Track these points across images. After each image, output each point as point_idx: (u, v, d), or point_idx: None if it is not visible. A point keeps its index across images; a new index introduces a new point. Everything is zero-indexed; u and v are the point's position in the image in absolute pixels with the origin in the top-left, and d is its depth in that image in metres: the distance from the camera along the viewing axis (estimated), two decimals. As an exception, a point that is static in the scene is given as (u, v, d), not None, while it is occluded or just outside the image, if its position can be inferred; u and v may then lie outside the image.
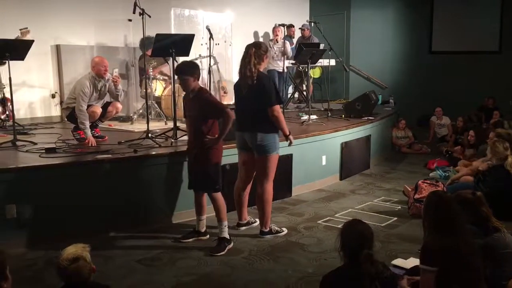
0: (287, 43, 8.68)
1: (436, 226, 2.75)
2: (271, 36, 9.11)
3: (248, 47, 4.32)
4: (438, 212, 2.77)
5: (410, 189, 5.43)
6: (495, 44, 10.70)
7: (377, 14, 10.94)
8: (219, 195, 4.27)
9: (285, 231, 4.55)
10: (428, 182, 5.30)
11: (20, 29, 5.93)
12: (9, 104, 6.23)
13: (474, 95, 9.96)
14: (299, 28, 9.45)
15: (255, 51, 4.26)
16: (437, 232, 2.74)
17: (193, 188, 4.42)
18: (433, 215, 2.79)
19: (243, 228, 4.69)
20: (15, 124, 5.50)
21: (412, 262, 3.62)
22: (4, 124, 6.49)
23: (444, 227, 2.72)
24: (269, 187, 4.41)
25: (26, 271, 3.70)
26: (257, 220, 4.68)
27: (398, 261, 3.77)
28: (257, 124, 4.26)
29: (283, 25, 8.60)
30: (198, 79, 4.24)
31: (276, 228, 4.55)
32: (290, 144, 4.48)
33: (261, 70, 4.35)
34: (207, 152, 4.16)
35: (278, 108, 4.27)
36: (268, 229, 4.48)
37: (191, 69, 4.22)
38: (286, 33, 9.17)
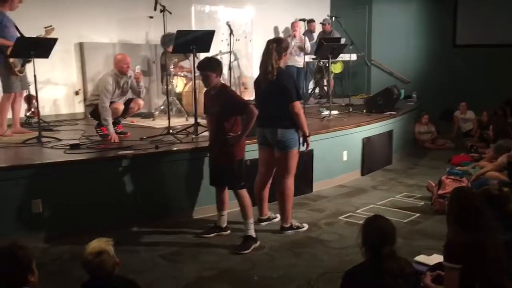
0: (306, 39, 8.64)
1: (460, 222, 2.71)
2: (291, 32, 9.08)
3: (269, 43, 4.32)
4: (462, 208, 2.73)
5: (434, 185, 5.35)
6: (523, 35, 10.44)
7: (399, 8, 10.79)
8: (244, 192, 4.24)
9: (306, 227, 4.54)
10: (452, 177, 5.24)
11: (45, 27, 6.02)
12: (34, 101, 6.35)
13: (500, 89, 9.74)
14: (320, 23, 9.39)
15: (275, 47, 4.25)
16: (461, 229, 2.70)
17: (215, 184, 4.42)
18: (458, 211, 2.75)
19: (264, 223, 4.69)
20: (40, 121, 5.61)
21: (436, 258, 3.56)
22: (30, 121, 6.63)
23: (469, 224, 2.67)
24: (290, 182, 4.41)
25: (51, 265, 3.78)
26: (278, 215, 4.68)
27: (421, 258, 3.72)
28: (277, 120, 4.26)
29: (303, 20, 8.55)
30: (220, 76, 4.24)
31: (297, 224, 4.54)
32: (307, 148, 4.46)
33: (282, 66, 4.32)
34: (230, 149, 4.15)
35: (299, 105, 4.27)
36: (289, 224, 4.48)
37: (214, 65, 4.21)
38: (306, 28, 9.13)
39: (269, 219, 4.74)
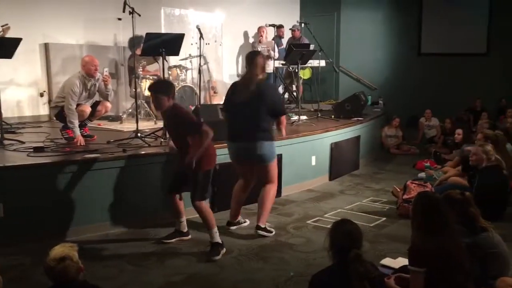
0: (275, 44, 8.71)
1: (424, 227, 2.77)
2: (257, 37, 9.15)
3: (254, 55, 4.41)
4: (426, 213, 2.79)
5: (399, 190, 5.46)
6: (482, 46, 10.82)
7: (367, 16, 11.01)
8: (203, 204, 4.12)
9: (274, 232, 4.57)
10: (417, 182, 5.35)
11: (1, 25, 5.87)
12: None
13: (462, 96, 10.06)
14: (290, 29, 9.48)
15: (260, 59, 4.35)
16: (425, 233, 2.76)
17: (175, 191, 4.27)
18: (421, 216, 2.81)
19: (234, 227, 4.68)
20: (2, 123, 5.44)
21: (401, 261, 3.64)
22: (-9, 123, 6.42)
23: (432, 228, 2.74)
24: (275, 188, 4.59)
25: (12, 271, 3.66)
26: (247, 220, 4.74)
27: (387, 261, 3.79)
28: (257, 133, 4.30)
29: (273, 25, 8.63)
30: (173, 98, 4.07)
31: (270, 227, 4.58)
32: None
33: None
34: (199, 160, 4.04)
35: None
36: (264, 226, 4.52)
37: (166, 88, 4.10)
38: (276, 34, 9.20)
39: (238, 223, 4.74)
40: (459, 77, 10.46)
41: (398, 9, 11.05)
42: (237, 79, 9.94)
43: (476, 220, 3.22)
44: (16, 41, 5.35)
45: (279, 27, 9.26)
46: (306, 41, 9.24)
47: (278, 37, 9.37)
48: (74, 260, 2.49)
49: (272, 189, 4.52)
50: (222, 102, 4.85)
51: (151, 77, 7.63)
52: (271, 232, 4.54)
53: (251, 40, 9.92)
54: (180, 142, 4.17)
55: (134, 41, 6.98)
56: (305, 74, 9.57)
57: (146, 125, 6.50)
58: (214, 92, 8.52)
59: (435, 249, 2.67)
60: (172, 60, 7.61)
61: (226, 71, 9.45)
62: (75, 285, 2.48)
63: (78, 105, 5.39)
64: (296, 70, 7.91)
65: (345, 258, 2.52)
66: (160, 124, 5.90)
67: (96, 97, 5.79)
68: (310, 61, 8.23)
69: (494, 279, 3.12)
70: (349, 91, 9.23)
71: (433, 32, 10.96)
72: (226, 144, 4.65)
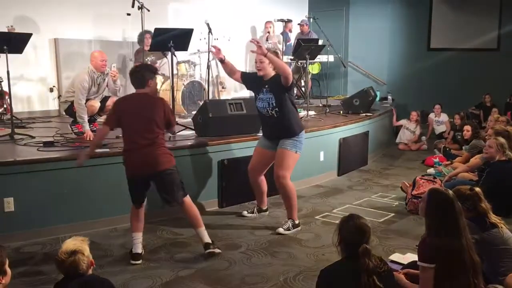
0: (280, 39, 8.69)
1: (438, 224, 2.73)
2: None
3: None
4: (439, 210, 2.75)
5: (408, 185, 5.44)
6: (493, 41, 10.72)
7: (376, 11, 10.95)
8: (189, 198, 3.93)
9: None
10: (426, 178, 5.32)
11: (7, 27, 5.93)
12: (6, 97, 6.22)
13: (472, 92, 9.99)
14: (298, 24, 9.45)
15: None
16: (437, 230, 2.72)
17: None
18: (436, 213, 2.76)
19: (266, 213, 4.96)
20: (13, 118, 5.49)
21: (409, 257, 3.63)
22: (2, 118, 6.48)
23: (444, 226, 2.70)
24: None
25: (24, 265, 3.70)
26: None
27: (396, 256, 3.79)
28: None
29: (281, 20, 8.60)
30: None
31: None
32: None
33: None
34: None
35: None
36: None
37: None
38: (284, 29, 9.18)
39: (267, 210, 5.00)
40: (469, 73, 10.37)
41: (407, 3, 10.98)
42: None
43: (486, 216, 3.20)
44: (26, 36, 5.39)
45: (288, 22, 9.23)
46: (314, 36, 9.21)
47: (286, 32, 9.34)
48: (85, 254, 2.51)
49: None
50: (230, 97, 4.87)
51: (159, 73, 7.65)
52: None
53: (259, 35, 9.90)
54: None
55: (142, 37, 7.01)
56: (314, 68, 9.53)
57: (154, 120, 6.51)
58: (223, 88, 8.52)
59: (446, 247, 2.65)
60: (181, 55, 7.61)
61: (235, 66, 9.43)
62: (85, 279, 2.50)
63: (87, 100, 5.41)
64: (305, 65, 7.89)
65: (354, 253, 2.52)
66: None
67: (106, 92, 5.81)
68: (319, 56, 8.20)
69: (504, 276, 3.10)
70: (358, 86, 9.19)
71: (443, 27, 10.88)
72: (235, 139, 4.64)
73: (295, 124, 4.42)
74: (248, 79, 4.62)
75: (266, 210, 4.97)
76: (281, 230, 4.44)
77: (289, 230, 4.45)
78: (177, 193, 3.82)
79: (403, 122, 8.84)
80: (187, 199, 3.89)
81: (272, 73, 4.33)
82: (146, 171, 3.73)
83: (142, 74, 3.81)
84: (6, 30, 5.81)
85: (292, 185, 4.49)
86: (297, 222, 4.54)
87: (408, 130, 8.78)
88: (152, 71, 3.88)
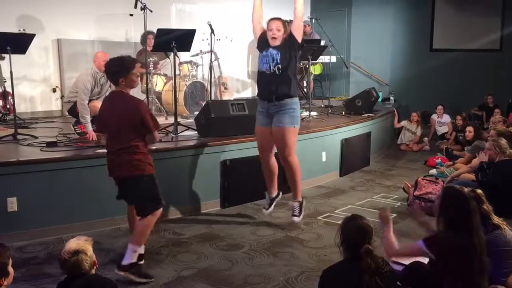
0: None
1: (451, 221, 2.72)
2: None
3: None
4: (454, 208, 2.74)
5: (410, 186, 5.44)
6: (496, 42, 10.70)
7: (378, 12, 10.93)
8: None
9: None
10: (428, 179, 5.31)
11: (19, 30, 5.97)
12: (10, 98, 6.24)
13: (475, 93, 9.97)
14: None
15: None
16: (450, 228, 2.71)
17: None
18: (449, 211, 2.75)
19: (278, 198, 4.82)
20: (16, 118, 5.51)
21: (413, 258, 3.62)
22: (5, 118, 6.51)
23: (459, 224, 2.69)
24: None
25: (27, 265, 3.72)
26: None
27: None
28: None
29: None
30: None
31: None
32: None
33: None
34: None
35: None
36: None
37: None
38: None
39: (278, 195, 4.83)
40: (471, 74, 10.36)
41: (410, 4, 10.96)
42: (247, 75, 10.04)
43: (489, 217, 3.20)
44: (29, 37, 5.41)
45: (290, 23, 9.21)
46: (316, 36, 9.21)
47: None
48: (88, 254, 2.52)
49: None
50: (233, 98, 4.87)
51: (162, 73, 7.67)
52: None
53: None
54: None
55: (145, 37, 7.03)
56: (315, 70, 9.54)
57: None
58: (225, 88, 8.52)
59: (455, 244, 2.65)
60: (183, 56, 7.63)
61: (237, 67, 9.45)
62: (87, 278, 2.51)
63: (90, 100, 5.43)
64: (307, 66, 7.89)
65: (356, 253, 2.53)
66: (171, 119, 5.93)
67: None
68: (321, 57, 8.21)
69: (506, 276, 3.11)
70: (360, 87, 9.19)
71: (445, 28, 10.87)
72: (237, 140, 4.66)
73: (294, 86, 4.40)
74: (260, 37, 4.57)
75: (278, 195, 4.81)
76: (296, 219, 4.54)
77: (301, 213, 4.56)
78: (142, 205, 3.50)
79: (404, 123, 8.85)
80: (156, 213, 3.53)
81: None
82: (116, 175, 3.57)
83: (112, 71, 3.52)
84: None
85: (298, 160, 4.51)
86: (301, 199, 4.64)
87: (409, 131, 8.78)
88: (125, 66, 3.47)
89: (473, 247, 2.65)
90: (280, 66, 4.29)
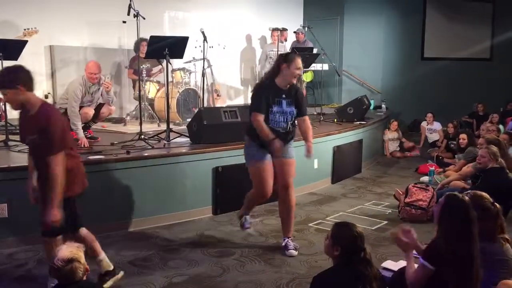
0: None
1: (451, 229, 2.72)
2: (269, 40, 9.21)
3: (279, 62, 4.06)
4: (454, 216, 2.74)
5: (401, 193, 5.47)
6: (486, 51, 10.84)
7: (370, 20, 11.02)
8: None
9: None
10: (418, 186, 5.35)
11: (25, 29, 6.00)
12: (1, 104, 6.21)
13: (465, 101, 10.08)
14: (294, 32, 9.51)
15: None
16: (449, 235, 2.71)
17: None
18: (449, 218, 2.75)
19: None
20: (7, 124, 5.49)
21: (402, 264, 3.63)
22: (-4, 124, 6.47)
23: (458, 232, 2.69)
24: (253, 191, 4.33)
25: (16, 271, 3.70)
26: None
27: (388, 263, 3.80)
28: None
29: (276, 29, 8.68)
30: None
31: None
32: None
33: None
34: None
35: (254, 116, 3.98)
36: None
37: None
38: (280, 37, 9.23)
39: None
40: (462, 82, 10.48)
41: (401, 13, 11.08)
42: (239, 82, 10.09)
43: (498, 232, 3.13)
44: (21, 43, 5.41)
45: (283, 31, 9.30)
46: (310, 44, 9.27)
47: (281, 41, 9.39)
48: (81, 261, 2.52)
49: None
50: (225, 105, 4.87)
51: (155, 80, 7.68)
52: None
53: (254, 44, 9.97)
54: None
55: (138, 44, 7.05)
56: (307, 77, 9.59)
57: (149, 127, 6.55)
58: (218, 95, 8.55)
59: (454, 252, 2.65)
60: (176, 63, 7.65)
61: (230, 74, 9.49)
62: (80, 285, 2.51)
63: (81, 107, 5.43)
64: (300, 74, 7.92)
65: (351, 259, 2.54)
66: (164, 126, 5.94)
67: (101, 100, 5.82)
68: (313, 64, 8.26)
69: (495, 284, 3.12)
70: (353, 95, 9.26)
71: (436, 37, 11.00)
72: (229, 147, 4.65)
73: None
74: (264, 97, 3.99)
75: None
76: (294, 252, 4.14)
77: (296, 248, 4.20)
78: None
79: (386, 137, 8.88)
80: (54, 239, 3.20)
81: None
82: None
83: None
84: (24, 34, 5.88)
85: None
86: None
87: (392, 140, 8.86)
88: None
89: (470, 255, 2.65)
90: (293, 121, 4.09)
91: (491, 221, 3.13)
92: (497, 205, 3.25)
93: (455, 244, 2.66)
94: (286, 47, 8.98)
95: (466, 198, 2.83)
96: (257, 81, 4.39)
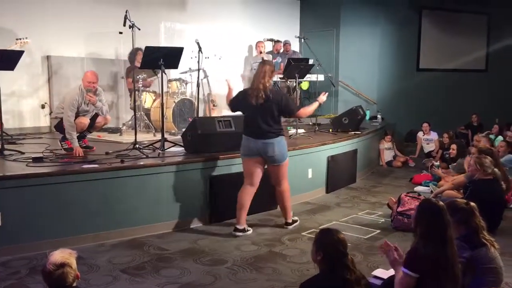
0: (270, 57, 8.85)
1: (427, 233, 2.78)
2: (255, 53, 9.27)
3: (262, 64, 4.76)
4: (429, 220, 2.80)
5: (394, 201, 5.49)
6: (481, 62, 10.93)
7: (366, 32, 11.11)
8: None
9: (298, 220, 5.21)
10: (411, 195, 5.38)
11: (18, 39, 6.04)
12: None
13: (461, 112, 10.14)
14: (282, 43, 9.61)
15: (268, 69, 4.69)
16: (426, 239, 2.77)
17: None
18: (425, 222, 2.82)
19: (240, 234, 4.79)
20: (3, 134, 5.52)
21: (393, 272, 3.66)
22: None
23: (433, 235, 2.75)
24: (288, 184, 5.01)
25: (9, 279, 3.71)
26: (251, 229, 4.91)
27: (379, 272, 3.81)
28: (270, 133, 4.67)
29: (271, 40, 8.77)
30: None
31: (294, 218, 5.19)
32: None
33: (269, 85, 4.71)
34: None
35: (301, 112, 5.06)
36: (291, 220, 5.09)
37: None
38: (273, 49, 9.34)
39: (244, 230, 4.84)
40: (457, 93, 10.55)
41: (397, 25, 11.18)
42: (236, 92, 10.12)
43: (477, 233, 3.19)
44: (18, 54, 5.46)
45: (276, 42, 9.41)
46: (299, 56, 9.36)
47: (274, 52, 9.49)
48: (72, 267, 2.54)
49: (288, 186, 4.98)
50: (221, 115, 5.01)
51: (151, 90, 7.74)
52: (297, 220, 5.18)
53: (253, 54, 10.05)
54: None
55: (133, 54, 7.11)
56: (303, 86, 9.68)
57: (145, 137, 6.58)
58: (214, 105, 8.60)
59: (431, 255, 2.70)
60: (173, 73, 7.71)
61: (226, 84, 9.53)
62: (70, 291, 2.52)
63: (76, 116, 5.47)
64: (295, 84, 8.00)
65: (335, 265, 2.57)
66: (159, 136, 5.98)
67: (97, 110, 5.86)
68: (309, 75, 8.33)
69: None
70: (348, 105, 9.30)
71: (431, 48, 11.09)
72: (224, 156, 4.72)
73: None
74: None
75: (291, 223, 5.13)
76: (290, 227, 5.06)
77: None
78: None
79: (382, 146, 8.98)
80: None
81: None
82: None
83: None
84: (16, 43, 5.92)
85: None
86: (290, 221, 5.09)
87: (388, 150, 8.95)
88: None
89: (446, 258, 2.71)
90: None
91: (473, 220, 3.19)
92: (471, 203, 3.30)
93: (432, 247, 2.71)
94: (270, 58, 9.06)
95: (441, 203, 2.89)
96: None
